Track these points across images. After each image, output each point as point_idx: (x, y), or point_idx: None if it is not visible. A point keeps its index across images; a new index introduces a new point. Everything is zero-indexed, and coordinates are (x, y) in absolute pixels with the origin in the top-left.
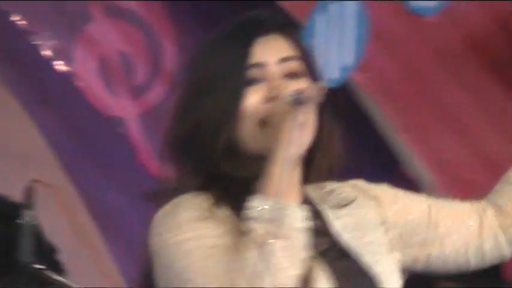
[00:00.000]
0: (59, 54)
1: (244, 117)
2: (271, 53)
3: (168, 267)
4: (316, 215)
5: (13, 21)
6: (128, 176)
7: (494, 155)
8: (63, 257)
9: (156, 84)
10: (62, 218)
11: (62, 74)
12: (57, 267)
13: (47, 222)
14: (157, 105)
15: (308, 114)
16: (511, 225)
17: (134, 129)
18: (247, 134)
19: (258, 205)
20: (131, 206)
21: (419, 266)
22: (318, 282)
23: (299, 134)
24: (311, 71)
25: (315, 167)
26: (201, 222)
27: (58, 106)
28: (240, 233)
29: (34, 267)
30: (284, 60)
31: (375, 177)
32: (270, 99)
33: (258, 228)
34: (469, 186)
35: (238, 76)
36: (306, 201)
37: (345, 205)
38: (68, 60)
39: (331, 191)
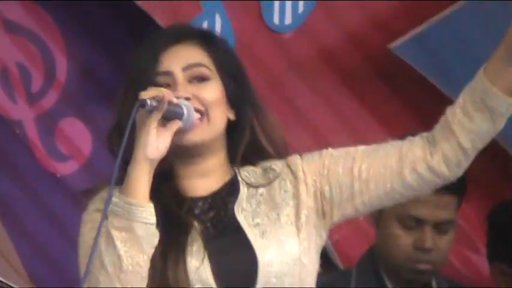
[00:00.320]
0: None
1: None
2: (177, 61)
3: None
4: (232, 192)
5: None
6: (26, 172)
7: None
8: None
9: (49, 91)
10: None
11: None
12: None
13: None
14: (50, 109)
15: (153, 120)
16: (435, 152)
17: (30, 130)
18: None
19: (114, 200)
20: (30, 200)
21: (362, 212)
22: (191, 256)
23: (151, 138)
24: (223, 71)
25: (237, 151)
26: (94, 215)
27: None
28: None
29: None
30: (188, 67)
31: None
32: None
33: (109, 221)
34: None
35: (147, 82)
36: (231, 180)
37: (257, 186)
38: None
39: (264, 169)
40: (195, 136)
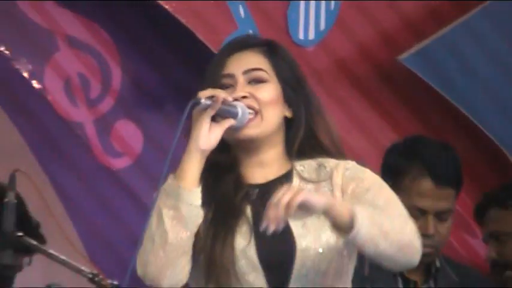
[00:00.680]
0: (34, 75)
1: None
2: (238, 66)
3: None
4: (286, 183)
5: (0, 51)
6: (86, 167)
7: (357, 147)
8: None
9: (105, 97)
10: (36, 199)
11: (36, 90)
12: (41, 239)
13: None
14: (106, 113)
15: (206, 116)
16: None
17: (89, 131)
18: None
19: (168, 182)
20: (89, 191)
21: None
22: (239, 236)
23: (203, 132)
24: (281, 75)
25: (292, 145)
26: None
27: (33, 114)
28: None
29: (16, 235)
30: (247, 71)
31: None
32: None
33: (161, 200)
34: None
35: (214, 82)
36: (288, 172)
37: (312, 181)
38: (40, 80)
39: (319, 165)
40: (250, 131)
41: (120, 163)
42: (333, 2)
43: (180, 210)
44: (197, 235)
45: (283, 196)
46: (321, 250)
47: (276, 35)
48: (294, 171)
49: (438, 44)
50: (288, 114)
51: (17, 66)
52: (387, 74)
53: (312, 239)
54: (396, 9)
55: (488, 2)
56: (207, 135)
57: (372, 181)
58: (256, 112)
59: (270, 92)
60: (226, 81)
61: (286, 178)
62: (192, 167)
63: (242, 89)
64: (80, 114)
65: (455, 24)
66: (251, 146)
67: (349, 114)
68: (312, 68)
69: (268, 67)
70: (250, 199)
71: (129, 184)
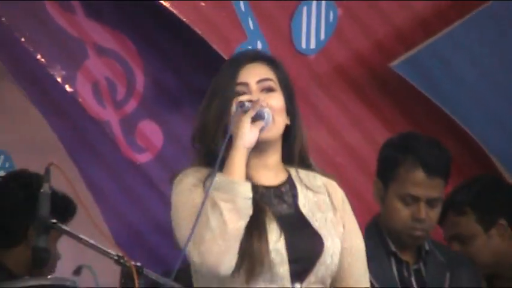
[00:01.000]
0: (67, 80)
1: None
2: (252, 75)
3: (173, 217)
4: (292, 188)
5: (37, 59)
6: (112, 161)
7: (354, 145)
8: None
9: (130, 99)
10: (68, 189)
11: (69, 93)
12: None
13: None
14: (131, 113)
15: (248, 118)
16: None
17: (116, 129)
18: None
19: (217, 178)
20: (115, 183)
21: None
22: (270, 233)
23: (247, 132)
24: (283, 87)
25: (291, 152)
26: (195, 188)
27: (66, 114)
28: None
29: (50, 221)
30: (261, 81)
31: None
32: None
33: (215, 194)
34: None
35: (230, 90)
36: (289, 177)
37: (312, 190)
38: (72, 84)
39: (312, 176)
40: (267, 134)
41: (143, 158)
42: (331, 15)
43: (236, 202)
44: None
45: None
46: (336, 249)
47: (281, 44)
48: (294, 177)
49: (426, 52)
50: (287, 122)
51: (52, 72)
52: (381, 79)
53: (330, 239)
54: (388, 21)
55: (470, 14)
56: (250, 134)
57: (354, 226)
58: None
59: (279, 100)
60: (240, 88)
61: (290, 183)
62: (241, 163)
63: (257, 96)
64: (107, 114)
65: (442, 34)
66: (261, 147)
67: (346, 114)
68: (314, 74)
69: (274, 78)
70: (264, 200)
71: (151, 176)
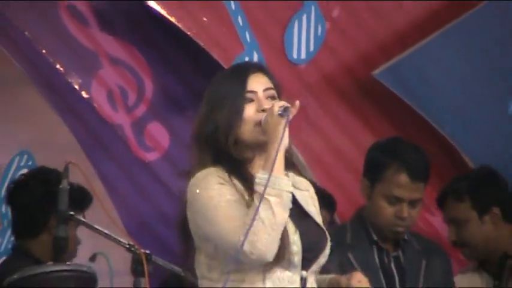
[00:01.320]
0: (83, 87)
1: (245, 121)
2: (260, 84)
3: (202, 214)
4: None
5: (57, 68)
6: (124, 159)
7: (341, 146)
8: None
9: (140, 105)
10: (85, 185)
11: (85, 99)
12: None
13: None
14: (141, 117)
15: (286, 122)
16: None
17: (127, 131)
18: (247, 132)
19: (262, 175)
20: (127, 179)
21: None
22: (287, 225)
23: (285, 133)
24: (278, 95)
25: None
26: (222, 185)
27: (83, 118)
28: (243, 193)
29: (68, 213)
30: (267, 89)
31: None
32: (260, 110)
33: (261, 190)
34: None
35: (240, 98)
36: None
37: (300, 188)
38: (88, 91)
39: (292, 175)
40: None
41: (151, 156)
42: (320, 28)
43: (283, 197)
44: None
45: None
46: (329, 244)
47: (274, 54)
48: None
49: (404, 62)
50: None
51: (70, 80)
52: (365, 87)
53: (327, 233)
54: (370, 34)
55: (444, 28)
56: (287, 136)
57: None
58: None
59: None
60: (249, 96)
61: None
62: (281, 161)
63: (265, 103)
64: (119, 118)
65: (418, 46)
66: (265, 148)
67: (334, 119)
68: (304, 82)
69: (274, 87)
70: None
71: (158, 173)
